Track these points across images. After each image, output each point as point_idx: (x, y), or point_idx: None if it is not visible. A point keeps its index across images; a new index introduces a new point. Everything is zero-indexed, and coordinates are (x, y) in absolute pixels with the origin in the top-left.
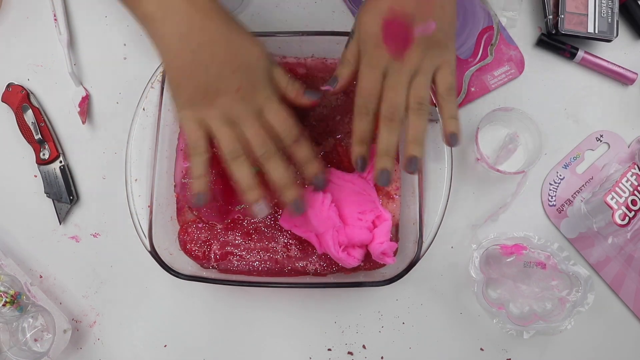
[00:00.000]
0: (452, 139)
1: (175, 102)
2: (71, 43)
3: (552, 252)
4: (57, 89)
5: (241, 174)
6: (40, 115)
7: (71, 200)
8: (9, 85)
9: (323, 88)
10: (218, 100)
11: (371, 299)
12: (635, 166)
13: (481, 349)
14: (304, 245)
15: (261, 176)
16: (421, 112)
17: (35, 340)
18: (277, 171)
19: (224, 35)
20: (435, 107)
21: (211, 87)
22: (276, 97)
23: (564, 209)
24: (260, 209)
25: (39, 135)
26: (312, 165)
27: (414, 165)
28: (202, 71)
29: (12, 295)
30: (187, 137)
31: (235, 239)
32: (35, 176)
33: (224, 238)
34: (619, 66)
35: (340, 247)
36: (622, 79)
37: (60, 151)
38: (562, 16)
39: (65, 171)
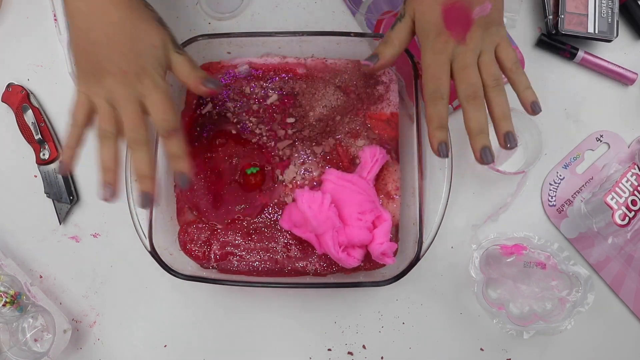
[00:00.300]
0: (534, 107)
1: (76, 73)
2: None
3: (552, 252)
4: (57, 89)
5: (103, 153)
6: (40, 115)
7: (71, 200)
8: (9, 85)
9: (363, 63)
10: (105, 80)
11: (371, 299)
12: (635, 166)
13: (481, 349)
14: (304, 246)
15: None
16: (499, 88)
17: (35, 340)
18: (139, 160)
19: (122, 19)
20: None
21: (99, 65)
22: (163, 87)
23: (564, 209)
24: (105, 192)
25: (39, 135)
26: (179, 162)
27: (513, 140)
28: (94, 50)
29: (12, 295)
30: (73, 107)
31: (235, 239)
32: (35, 176)
33: (224, 238)
34: (619, 66)
35: (340, 247)
36: (622, 79)
37: (60, 151)
38: (562, 16)
39: None
